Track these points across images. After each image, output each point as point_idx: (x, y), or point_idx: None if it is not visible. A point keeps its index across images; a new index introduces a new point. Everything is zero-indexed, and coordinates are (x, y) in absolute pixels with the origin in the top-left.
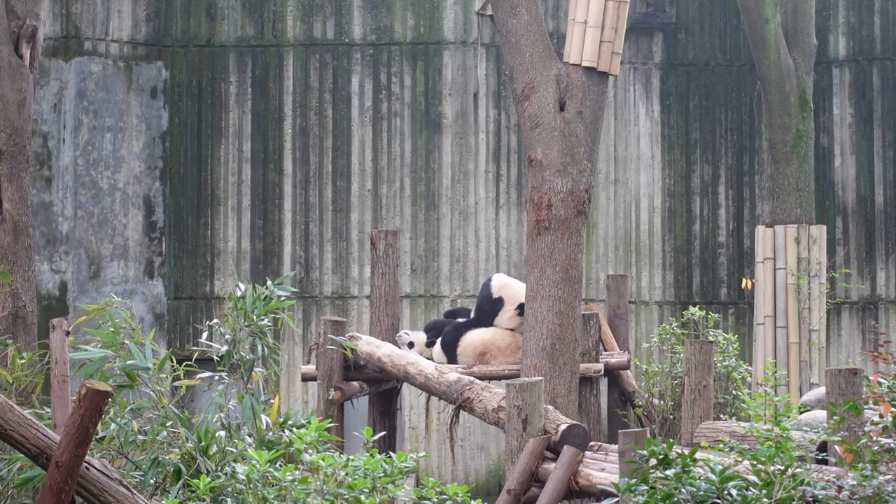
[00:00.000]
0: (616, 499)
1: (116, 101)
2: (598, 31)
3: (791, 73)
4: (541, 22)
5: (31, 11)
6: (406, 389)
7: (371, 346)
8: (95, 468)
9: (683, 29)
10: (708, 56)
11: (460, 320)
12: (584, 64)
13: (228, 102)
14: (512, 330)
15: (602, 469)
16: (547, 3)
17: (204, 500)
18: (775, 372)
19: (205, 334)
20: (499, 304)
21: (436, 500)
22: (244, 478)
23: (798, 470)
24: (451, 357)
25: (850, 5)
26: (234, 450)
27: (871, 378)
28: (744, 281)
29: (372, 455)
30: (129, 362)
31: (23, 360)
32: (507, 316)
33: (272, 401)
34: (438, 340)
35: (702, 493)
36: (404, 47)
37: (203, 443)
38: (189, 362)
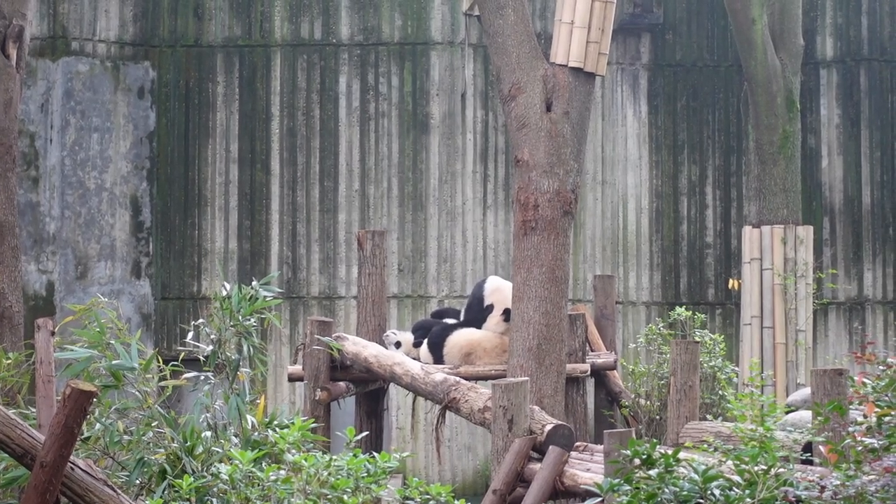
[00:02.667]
0: (600, 499)
1: (104, 101)
2: (584, 31)
3: (778, 73)
4: (528, 22)
5: (18, 11)
6: (393, 390)
7: (358, 346)
8: (80, 468)
9: (671, 29)
10: (695, 57)
11: (448, 321)
12: (571, 64)
13: (216, 103)
14: (501, 333)
15: (587, 469)
16: (534, 3)
17: (188, 500)
18: (761, 372)
19: (190, 334)
20: (489, 309)
21: (419, 499)
22: (228, 478)
23: (781, 470)
24: (438, 357)
25: (837, 6)
26: (220, 450)
27: (857, 378)
28: (731, 281)
29: (355, 455)
30: (114, 362)
31: (9, 360)
32: (494, 321)
33: (258, 401)
34: (425, 340)
35: (685, 492)
36: (392, 48)
37: (189, 443)
38: (175, 362)
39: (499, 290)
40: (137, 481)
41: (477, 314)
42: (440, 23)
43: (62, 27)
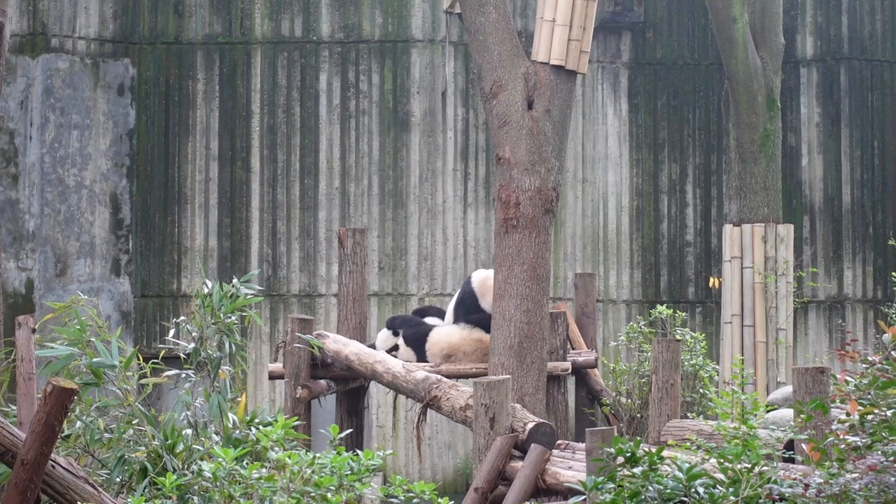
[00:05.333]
0: (583, 497)
1: (83, 98)
2: (566, 29)
3: (759, 72)
4: (509, 20)
5: None
6: (374, 388)
7: (338, 344)
8: (61, 466)
9: (651, 28)
10: (676, 55)
11: (430, 319)
12: (553, 62)
13: (196, 100)
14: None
15: (569, 467)
16: (515, 1)
17: (170, 497)
18: (742, 370)
19: (172, 332)
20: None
21: (402, 497)
22: (210, 475)
23: (765, 468)
24: (421, 355)
25: (817, 5)
26: (201, 448)
27: (838, 376)
28: (711, 280)
29: (339, 453)
30: (95, 360)
31: None
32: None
33: (239, 399)
34: (402, 336)
35: (669, 490)
36: (372, 45)
37: (169, 441)
38: (156, 360)
39: (488, 279)
40: (118, 479)
41: (474, 309)
42: (421, 20)
43: (42, 24)
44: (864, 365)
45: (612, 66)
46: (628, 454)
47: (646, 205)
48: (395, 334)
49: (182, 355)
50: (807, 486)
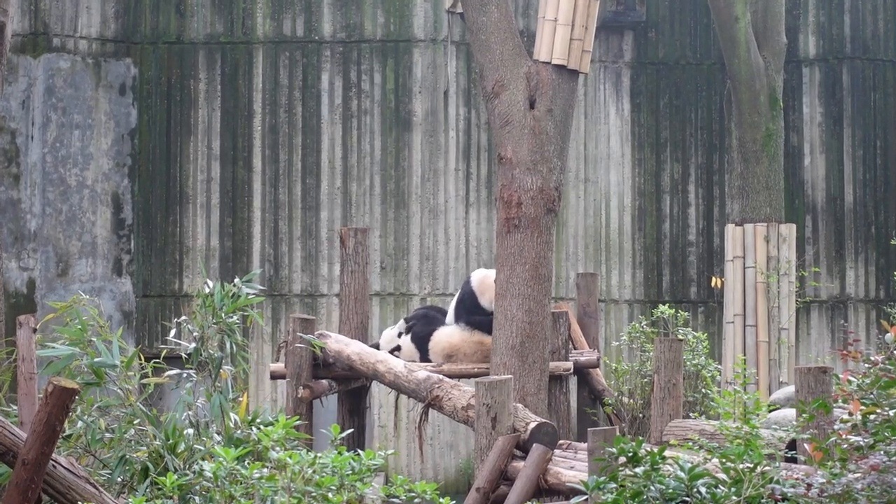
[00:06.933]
0: (585, 497)
1: (85, 97)
2: (568, 28)
3: (761, 71)
4: (511, 19)
5: (0, 7)
6: (375, 387)
7: (340, 343)
8: (62, 466)
9: (654, 27)
10: (678, 54)
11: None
12: (555, 62)
13: (198, 99)
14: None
15: (571, 467)
16: (517, 0)
17: (171, 497)
18: (745, 369)
19: (173, 331)
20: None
21: (404, 497)
22: (211, 475)
23: (767, 468)
24: (423, 354)
25: (820, 4)
26: (202, 448)
27: (841, 376)
28: (713, 279)
29: (340, 452)
30: (96, 360)
31: None
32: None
33: (240, 399)
34: (409, 336)
35: (671, 490)
36: (374, 45)
37: (171, 441)
38: (157, 360)
39: (487, 278)
40: (119, 479)
41: (473, 308)
42: (423, 20)
43: (44, 24)
44: (866, 365)
45: (614, 66)
46: (630, 454)
47: (648, 204)
48: (409, 331)
49: (183, 355)
50: (809, 486)
